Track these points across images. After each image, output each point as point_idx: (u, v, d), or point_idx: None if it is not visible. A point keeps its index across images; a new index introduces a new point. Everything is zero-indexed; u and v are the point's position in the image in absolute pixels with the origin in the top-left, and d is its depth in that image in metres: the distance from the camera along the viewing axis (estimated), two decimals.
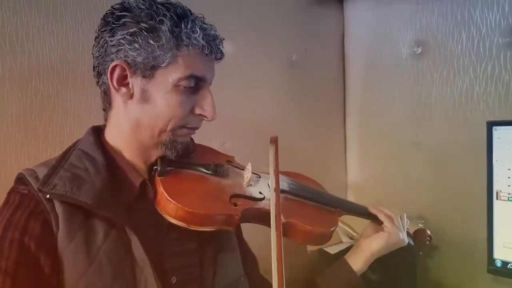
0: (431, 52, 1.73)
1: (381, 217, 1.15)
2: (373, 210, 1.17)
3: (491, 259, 1.34)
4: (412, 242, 1.22)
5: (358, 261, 1.11)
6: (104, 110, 0.95)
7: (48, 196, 0.80)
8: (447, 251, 1.69)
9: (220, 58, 0.93)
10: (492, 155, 1.32)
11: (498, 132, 1.31)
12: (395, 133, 1.89)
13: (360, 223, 1.27)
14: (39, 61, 1.22)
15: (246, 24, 1.74)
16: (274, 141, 0.91)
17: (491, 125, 1.33)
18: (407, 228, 1.21)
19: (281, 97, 1.86)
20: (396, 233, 1.12)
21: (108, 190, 0.84)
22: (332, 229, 1.05)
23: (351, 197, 2.10)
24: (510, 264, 1.30)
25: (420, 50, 1.77)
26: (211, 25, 0.90)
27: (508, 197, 1.30)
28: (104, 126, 0.96)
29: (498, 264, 1.32)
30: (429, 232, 1.26)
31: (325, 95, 2.04)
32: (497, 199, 1.32)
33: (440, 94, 1.71)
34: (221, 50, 0.91)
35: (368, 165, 2.05)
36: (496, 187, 1.32)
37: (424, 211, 1.77)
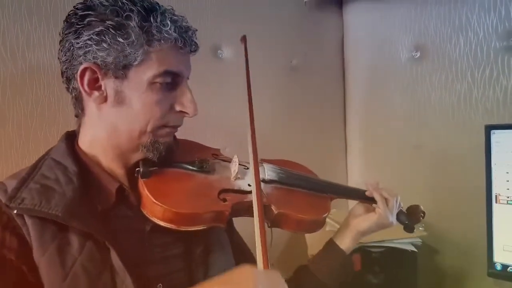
0: (429, 57, 1.74)
1: (377, 198, 1.12)
2: (370, 192, 1.14)
3: (491, 263, 1.33)
4: (406, 220, 1.21)
5: (346, 240, 1.10)
6: (76, 116, 0.91)
7: (15, 212, 0.77)
8: (448, 255, 1.70)
9: (195, 50, 0.89)
10: (491, 158, 1.32)
11: (497, 136, 1.31)
12: (395, 137, 1.90)
13: None
14: (40, 69, 1.24)
15: (245, 29, 1.74)
16: (244, 40, 0.93)
17: (489, 128, 1.33)
18: (401, 207, 1.20)
19: (281, 102, 1.86)
20: (386, 215, 1.10)
21: (80, 199, 0.80)
22: (325, 215, 1.03)
23: (352, 202, 2.09)
24: (510, 267, 1.30)
25: (418, 55, 1.77)
26: (182, 16, 0.86)
27: (507, 201, 1.30)
28: (79, 131, 0.92)
29: (498, 267, 1.32)
30: (422, 207, 1.24)
31: (325, 99, 2.04)
32: (496, 202, 1.32)
33: (439, 98, 1.72)
34: (195, 42, 0.87)
35: (369, 169, 2.05)
36: (495, 190, 1.32)
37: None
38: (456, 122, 1.66)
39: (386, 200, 1.12)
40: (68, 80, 0.86)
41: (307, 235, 1.63)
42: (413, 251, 1.50)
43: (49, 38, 1.25)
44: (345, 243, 1.10)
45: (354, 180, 2.10)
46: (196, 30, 0.88)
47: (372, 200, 1.14)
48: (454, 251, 1.67)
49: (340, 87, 2.10)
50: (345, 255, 1.10)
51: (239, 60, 1.71)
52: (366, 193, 1.15)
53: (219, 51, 1.66)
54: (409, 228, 1.21)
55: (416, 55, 1.79)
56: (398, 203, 1.16)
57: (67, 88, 0.88)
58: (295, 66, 1.91)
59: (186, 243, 0.90)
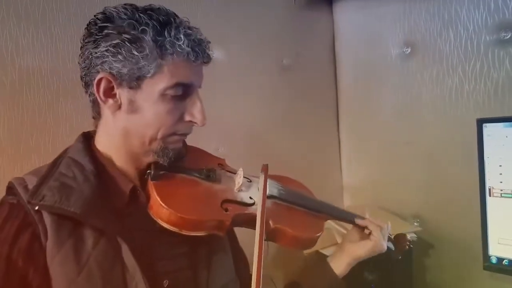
0: (420, 52, 1.75)
1: (372, 227, 1.15)
2: (361, 222, 1.17)
3: (486, 256, 1.34)
4: (392, 247, 1.23)
5: (341, 265, 1.13)
6: (93, 118, 0.95)
7: (36, 208, 0.80)
8: (443, 250, 1.70)
9: (208, 62, 0.92)
10: (483, 152, 1.33)
11: (488, 129, 1.32)
12: (388, 134, 1.90)
13: None
14: (29, 74, 1.23)
15: (236, 29, 1.75)
16: (265, 169, 0.95)
17: (481, 122, 1.34)
18: (389, 233, 1.22)
19: (273, 101, 1.87)
20: (381, 242, 1.13)
21: (97, 197, 0.84)
22: (318, 234, 1.06)
23: (347, 200, 2.10)
24: (505, 260, 1.31)
25: (409, 51, 1.78)
26: (196, 28, 0.89)
27: (501, 194, 1.31)
28: (95, 132, 0.96)
29: (494, 260, 1.33)
30: (408, 237, 1.26)
31: (317, 97, 2.05)
32: (490, 195, 1.33)
33: (430, 93, 1.72)
34: (207, 54, 0.90)
35: (362, 167, 2.06)
36: (488, 184, 1.33)
37: (419, 211, 1.78)
38: (448, 116, 1.67)
39: (380, 228, 1.15)
40: (87, 85, 0.90)
41: None
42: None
43: (38, 43, 1.24)
44: (339, 268, 1.13)
45: (348, 178, 2.11)
46: (210, 42, 0.91)
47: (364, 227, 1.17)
48: (449, 245, 1.68)
49: (332, 85, 2.11)
50: (338, 279, 1.12)
51: (230, 60, 1.71)
52: (359, 222, 1.17)
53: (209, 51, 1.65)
54: (394, 255, 1.24)
55: (406, 51, 1.80)
56: (388, 229, 1.19)
57: (86, 92, 0.92)
58: (287, 65, 1.91)
59: (192, 243, 0.92)
